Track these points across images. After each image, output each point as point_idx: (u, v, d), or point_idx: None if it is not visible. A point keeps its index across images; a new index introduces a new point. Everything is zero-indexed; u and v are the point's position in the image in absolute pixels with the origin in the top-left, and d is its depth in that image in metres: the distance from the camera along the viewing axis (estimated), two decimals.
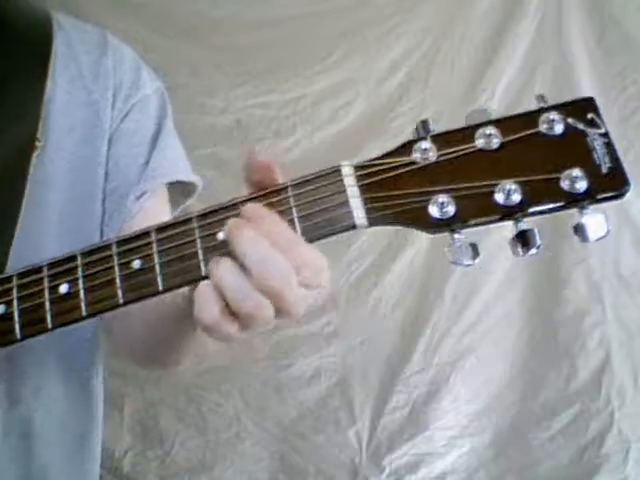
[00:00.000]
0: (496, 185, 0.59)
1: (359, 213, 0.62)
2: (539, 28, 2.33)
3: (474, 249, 0.60)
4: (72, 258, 0.70)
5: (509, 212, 0.59)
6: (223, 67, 2.35)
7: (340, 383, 2.37)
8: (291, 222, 0.63)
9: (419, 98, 2.37)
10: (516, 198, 0.58)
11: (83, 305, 0.68)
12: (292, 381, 2.36)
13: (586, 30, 2.33)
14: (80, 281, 0.68)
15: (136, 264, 0.67)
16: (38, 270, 0.70)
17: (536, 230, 0.59)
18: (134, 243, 0.68)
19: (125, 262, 0.67)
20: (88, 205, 0.95)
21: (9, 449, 0.90)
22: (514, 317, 2.39)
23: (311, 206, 0.64)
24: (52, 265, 0.70)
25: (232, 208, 0.65)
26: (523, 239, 0.59)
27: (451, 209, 0.60)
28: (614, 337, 2.33)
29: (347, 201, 0.62)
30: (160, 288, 0.67)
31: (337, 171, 0.64)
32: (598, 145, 0.58)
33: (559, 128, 0.59)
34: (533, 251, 0.58)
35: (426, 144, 0.62)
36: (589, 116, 0.59)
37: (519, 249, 0.59)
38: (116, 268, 0.67)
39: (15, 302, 0.70)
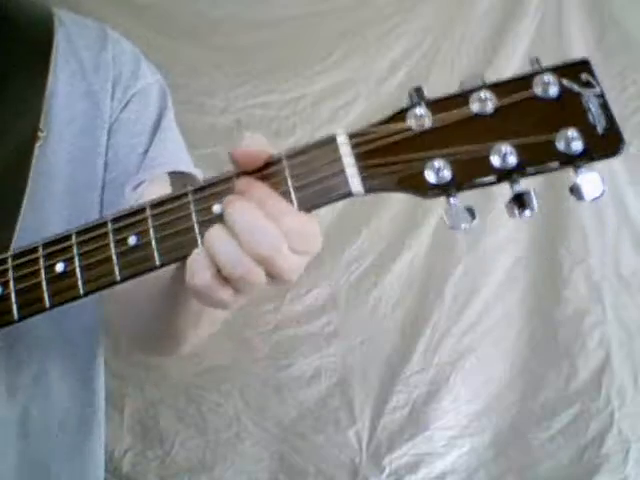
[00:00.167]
0: (492, 148, 0.59)
1: (355, 180, 0.62)
2: (539, 28, 2.33)
3: (471, 213, 0.60)
4: (67, 237, 0.70)
5: (505, 174, 0.59)
6: (223, 67, 2.35)
7: (340, 383, 2.36)
8: (287, 192, 0.63)
9: None
10: (512, 160, 0.58)
11: (80, 283, 0.68)
12: (292, 381, 2.35)
13: (586, 30, 2.32)
14: (76, 259, 0.68)
15: (132, 240, 0.67)
16: (33, 250, 0.71)
17: (532, 192, 0.59)
18: (129, 219, 0.67)
19: (121, 239, 0.67)
20: (88, 195, 0.95)
21: (7, 439, 0.90)
22: (514, 317, 2.38)
23: (306, 176, 0.63)
24: (47, 244, 0.70)
25: (227, 181, 0.65)
26: (520, 201, 0.59)
27: (447, 173, 0.60)
28: (614, 337, 2.33)
29: (343, 169, 0.62)
30: (157, 263, 0.66)
31: (332, 140, 0.64)
32: (593, 105, 0.58)
33: (554, 90, 0.59)
34: (528, 213, 0.58)
35: (421, 110, 0.62)
36: (584, 77, 0.60)
37: (515, 211, 0.59)
38: (112, 245, 0.67)
39: (11, 283, 0.70)
